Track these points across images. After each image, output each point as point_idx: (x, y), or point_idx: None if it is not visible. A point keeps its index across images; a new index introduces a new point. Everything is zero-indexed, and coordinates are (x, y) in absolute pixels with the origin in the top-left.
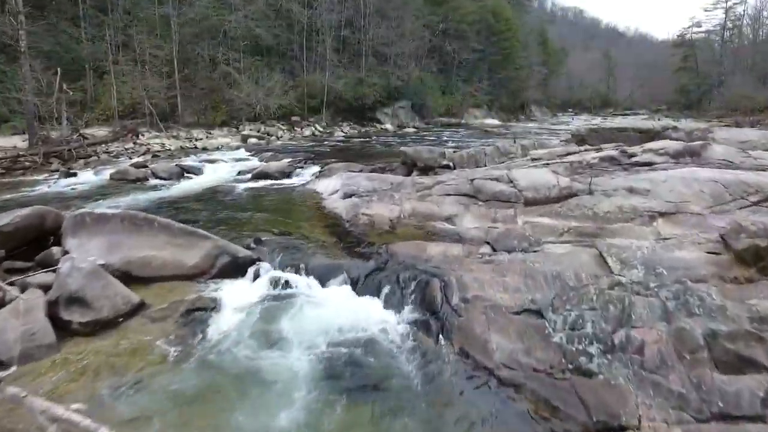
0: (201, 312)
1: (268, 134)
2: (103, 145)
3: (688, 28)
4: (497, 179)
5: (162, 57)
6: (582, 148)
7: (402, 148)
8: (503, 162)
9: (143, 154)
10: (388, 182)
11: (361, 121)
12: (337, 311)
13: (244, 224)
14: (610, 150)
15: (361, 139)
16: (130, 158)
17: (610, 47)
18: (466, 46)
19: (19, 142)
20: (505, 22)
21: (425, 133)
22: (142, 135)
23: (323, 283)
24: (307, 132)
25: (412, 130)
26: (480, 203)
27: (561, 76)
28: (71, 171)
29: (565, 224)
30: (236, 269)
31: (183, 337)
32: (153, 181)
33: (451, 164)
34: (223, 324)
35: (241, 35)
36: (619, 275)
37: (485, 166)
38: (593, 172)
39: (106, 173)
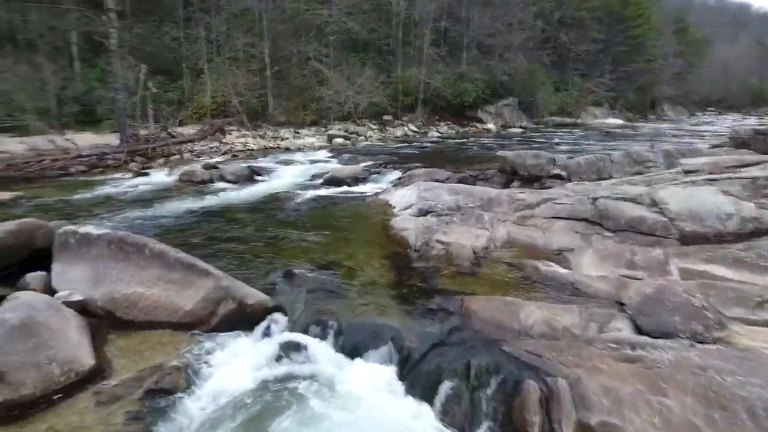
0: (165, 397)
1: (356, 134)
2: (189, 144)
3: None
4: (634, 200)
5: (257, 54)
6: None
7: (500, 152)
8: (636, 173)
9: (223, 153)
10: (477, 197)
11: (460, 120)
12: (362, 420)
13: (288, 247)
14: None
15: (457, 141)
16: (211, 157)
17: (764, 35)
18: (585, 36)
19: (115, 139)
20: (634, 7)
21: (534, 134)
22: (229, 134)
23: (357, 355)
24: (399, 132)
25: (518, 130)
26: (607, 234)
27: (701, 69)
28: (143, 171)
29: (761, 283)
30: (243, 320)
31: None
32: (218, 184)
33: (563, 174)
34: (181, 427)
35: (334, 30)
36: None
37: (610, 178)
38: None
39: (178, 174)
